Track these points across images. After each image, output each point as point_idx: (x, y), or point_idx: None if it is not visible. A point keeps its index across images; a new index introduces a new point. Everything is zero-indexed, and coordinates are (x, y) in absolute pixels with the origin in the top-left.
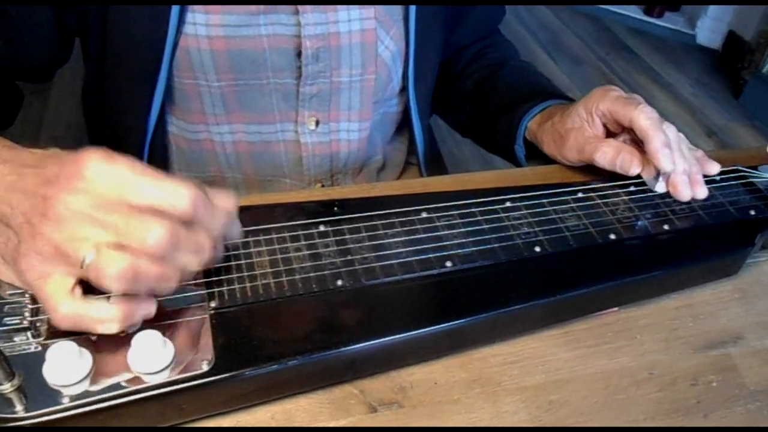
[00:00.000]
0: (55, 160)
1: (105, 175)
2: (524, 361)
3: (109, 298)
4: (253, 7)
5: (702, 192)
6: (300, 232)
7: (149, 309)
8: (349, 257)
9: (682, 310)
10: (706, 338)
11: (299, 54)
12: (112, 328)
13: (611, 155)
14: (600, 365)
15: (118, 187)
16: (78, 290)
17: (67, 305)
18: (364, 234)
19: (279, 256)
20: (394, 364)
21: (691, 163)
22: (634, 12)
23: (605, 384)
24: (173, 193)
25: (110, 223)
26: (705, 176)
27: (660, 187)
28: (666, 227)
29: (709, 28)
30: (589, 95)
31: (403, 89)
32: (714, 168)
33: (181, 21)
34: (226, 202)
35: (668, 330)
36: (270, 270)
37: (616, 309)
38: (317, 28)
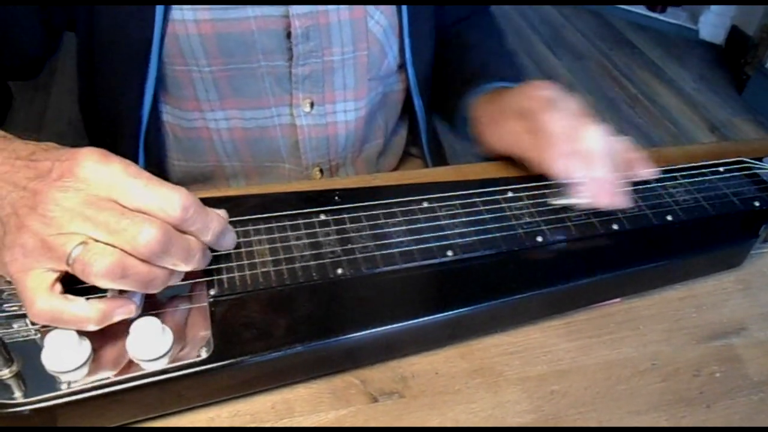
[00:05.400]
0: (48, 154)
1: (99, 175)
2: (526, 351)
3: (87, 299)
4: None
5: (616, 201)
6: (300, 221)
7: (128, 310)
8: (350, 246)
9: (685, 301)
10: (709, 329)
11: (289, 35)
12: (88, 327)
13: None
14: (602, 356)
15: (111, 188)
16: (58, 286)
17: (43, 300)
18: (364, 223)
19: (279, 245)
20: (395, 354)
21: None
22: (636, 7)
23: (607, 374)
24: (165, 197)
25: (101, 220)
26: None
27: (558, 200)
28: (669, 218)
29: (712, 23)
30: (519, 88)
31: (402, 66)
32: (647, 173)
33: (167, 7)
34: (221, 213)
35: (671, 321)
36: (270, 258)
37: (618, 300)
38: (305, 7)
